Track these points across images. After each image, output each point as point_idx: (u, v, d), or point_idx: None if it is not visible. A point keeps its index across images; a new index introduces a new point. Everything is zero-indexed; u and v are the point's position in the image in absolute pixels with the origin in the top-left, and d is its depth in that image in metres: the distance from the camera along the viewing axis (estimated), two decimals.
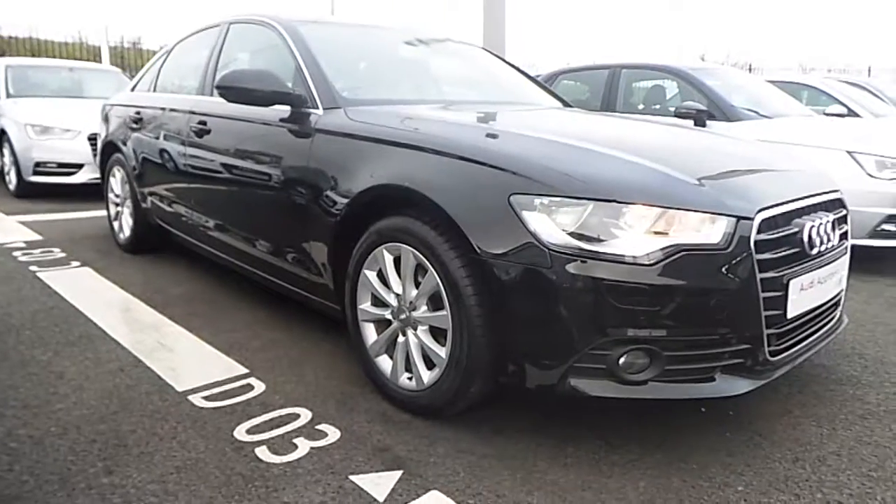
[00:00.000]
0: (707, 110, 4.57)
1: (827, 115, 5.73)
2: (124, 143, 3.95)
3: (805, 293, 1.90)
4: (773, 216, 1.82)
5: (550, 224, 1.71)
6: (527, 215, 1.73)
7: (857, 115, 6.38)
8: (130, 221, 4.02)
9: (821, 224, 1.96)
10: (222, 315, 2.98)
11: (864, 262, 4.06)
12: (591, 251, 1.67)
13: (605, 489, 1.70)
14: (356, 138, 2.25)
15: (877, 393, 2.30)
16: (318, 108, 2.48)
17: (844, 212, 2.23)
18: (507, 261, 1.74)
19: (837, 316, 2.25)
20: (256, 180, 2.68)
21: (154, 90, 3.88)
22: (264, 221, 2.71)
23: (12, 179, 6.21)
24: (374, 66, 3.03)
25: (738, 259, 1.71)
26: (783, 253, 1.82)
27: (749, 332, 1.76)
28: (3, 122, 6.24)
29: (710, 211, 1.72)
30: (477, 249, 1.78)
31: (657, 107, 5.28)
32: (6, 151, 6.25)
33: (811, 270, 1.92)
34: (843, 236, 2.20)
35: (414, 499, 1.63)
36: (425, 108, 2.54)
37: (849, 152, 3.98)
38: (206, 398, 2.15)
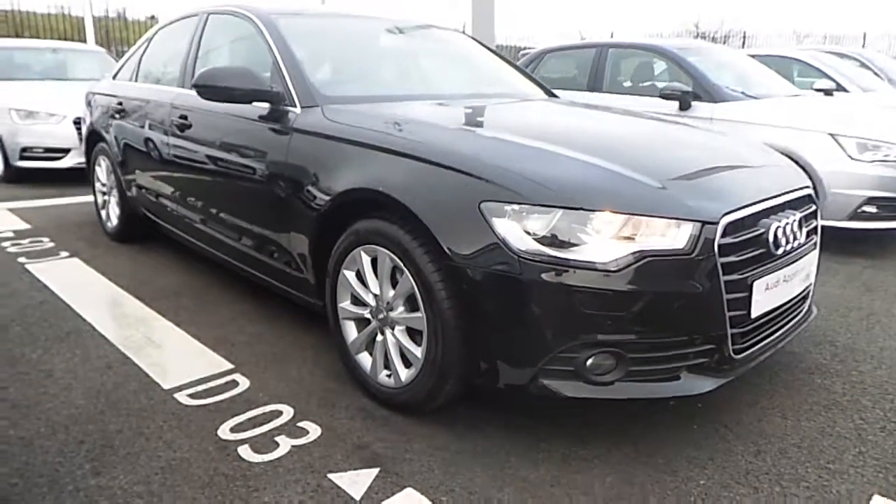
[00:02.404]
0: (692, 91, 4.58)
1: (815, 90, 5.72)
2: (108, 133, 3.95)
3: (770, 292, 1.95)
4: (739, 219, 1.87)
5: (519, 231, 1.75)
6: (496, 222, 1.77)
7: (845, 91, 6.38)
8: (117, 210, 4.05)
9: (787, 224, 2.01)
10: (209, 308, 3.03)
11: (844, 243, 4.13)
12: (558, 258, 1.72)
13: (573, 484, 1.77)
14: (332, 139, 2.27)
15: (843, 382, 2.38)
16: (296, 106, 2.49)
17: (814, 208, 2.27)
18: (477, 266, 1.78)
19: (805, 309, 2.31)
20: (237, 176, 2.70)
21: (136, 79, 3.86)
22: (247, 218, 2.74)
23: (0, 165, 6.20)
24: (356, 59, 3.02)
25: (703, 263, 1.76)
26: (748, 255, 1.87)
27: (713, 333, 1.82)
28: None
29: (676, 217, 1.76)
30: (448, 254, 1.83)
31: (645, 84, 5.27)
32: None
33: (776, 270, 1.97)
34: (812, 232, 2.24)
35: (389, 497, 1.70)
36: (403, 105, 2.55)
37: (831, 134, 4.00)
38: (192, 395, 2.21)
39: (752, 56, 6.46)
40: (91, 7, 14.55)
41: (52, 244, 4.08)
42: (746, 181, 2.09)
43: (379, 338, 2.14)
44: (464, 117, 2.49)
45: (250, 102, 2.58)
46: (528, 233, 1.74)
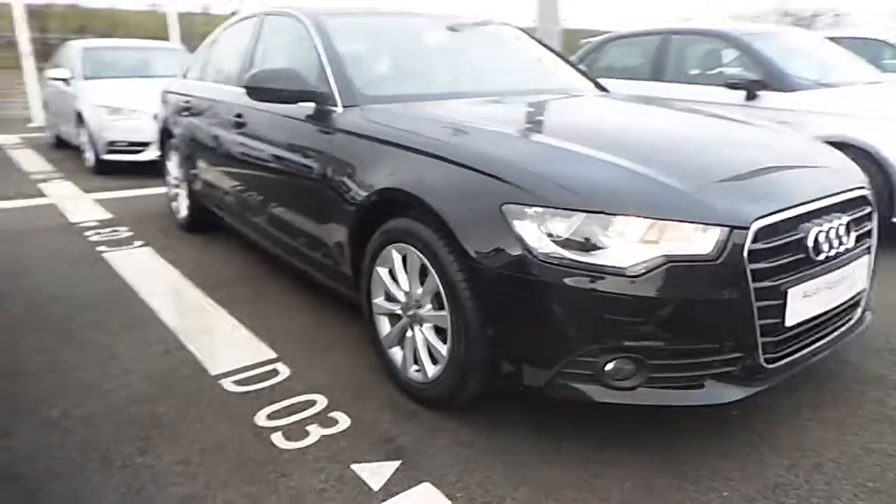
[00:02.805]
0: (760, 80, 4.35)
1: None
2: (177, 128, 4.19)
3: (809, 300, 1.87)
4: (774, 223, 1.79)
5: (541, 233, 1.75)
6: (518, 224, 1.78)
7: None
8: (186, 202, 4.30)
9: (831, 228, 1.90)
10: (262, 298, 3.19)
11: None
12: (579, 261, 1.71)
13: (590, 488, 1.77)
14: (367, 138, 2.34)
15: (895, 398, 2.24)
16: (337, 105, 2.57)
17: (868, 210, 2.14)
18: (497, 267, 1.80)
19: (857, 316, 2.18)
20: (287, 173, 2.82)
21: (202, 78, 4.07)
22: (295, 213, 2.86)
23: (90, 158, 6.69)
24: (400, 58, 3.07)
25: (730, 270, 1.71)
26: (783, 261, 1.79)
27: (740, 342, 1.76)
28: (80, 104, 6.69)
29: (702, 221, 1.71)
30: (471, 254, 1.85)
31: (711, 73, 5.05)
32: (84, 132, 6.71)
33: (817, 276, 1.87)
34: (865, 236, 2.11)
35: (405, 490, 1.76)
36: (441, 104, 2.58)
37: None
38: (236, 382, 2.35)
39: (837, 39, 6.05)
40: (176, 4, 15.31)
41: (129, 233, 4.39)
42: (790, 183, 1.99)
43: (409, 334, 2.20)
44: (498, 116, 2.49)
45: (297, 103, 2.68)
46: (550, 235, 1.74)
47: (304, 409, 2.17)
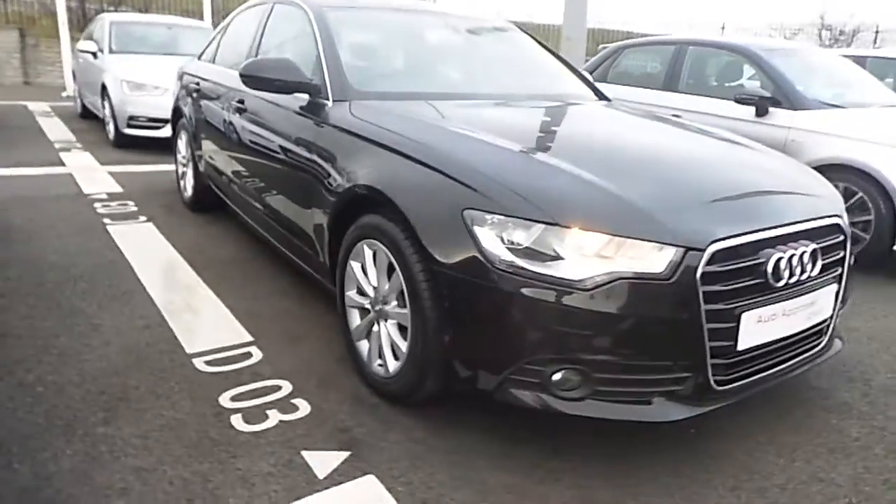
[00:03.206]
0: (771, 97, 4.29)
1: None
2: (186, 109, 4.28)
3: (765, 325, 1.86)
4: (733, 247, 1.79)
5: (498, 241, 1.78)
6: (477, 230, 1.80)
7: None
8: (192, 182, 4.39)
9: (794, 255, 1.89)
10: (249, 281, 3.26)
11: None
12: (533, 272, 1.73)
13: (530, 494, 1.80)
14: (350, 134, 2.38)
15: (862, 426, 2.22)
16: (329, 99, 2.61)
17: (840, 238, 2.12)
18: (455, 271, 1.83)
19: (822, 343, 2.17)
20: (280, 161, 2.87)
21: (213, 61, 4.14)
22: (284, 201, 2.91)
23: (111, 130, 6.84)
24: (397, 56, 3.11)
25: (682, 290, 1.71)
26: (739, 285, 1.79)
27: (689, 362, 1.77)
28: (105, 77, 6.83)
29: (657, 240, 1.72)
30: (432, 256, 1.89)
31: (725, 86, 4.99)
32: (107, 104, 6.86)
33: (775, 302, 1.87)
34: (836, 264, 2.10)
35: (349, 480, 1.81)
36: (426, 104, 2.60)
37: None
38: (208, 362, 2.42)
39: (864, 58, 5.93)
40: None
41: (135, 208, 4.50)
42: (757, 207, 1.98)
43: (375, 328, 2.24)
44: (479, 120, 2.50)
45: (291, 93, 2.73)
46: (507, 244, 1.77)
47: (267, 394, 2.23)
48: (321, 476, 1.82)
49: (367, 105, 2.51)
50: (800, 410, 2.31)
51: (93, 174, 5.52)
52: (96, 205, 4.53)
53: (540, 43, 3.61)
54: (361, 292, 2.30)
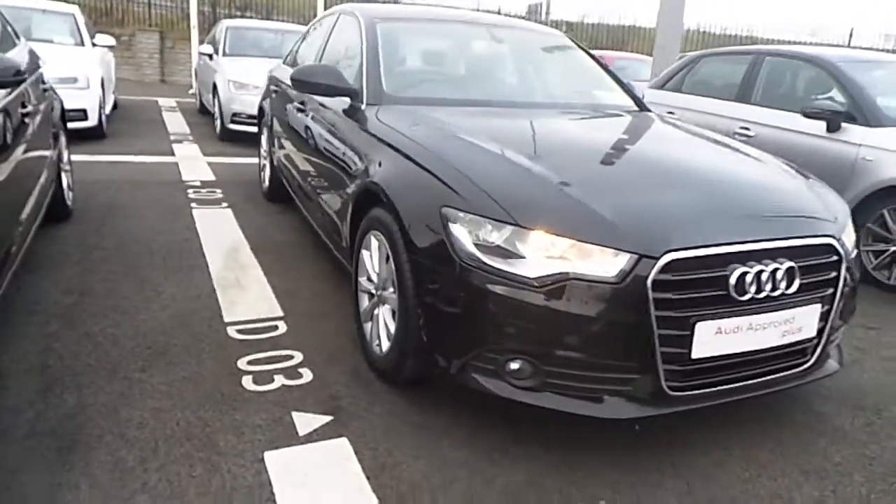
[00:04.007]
0: (845, 111, 4.08)
1: None
2: (267, 108, 4.74)
3: (725, 337, 1.90)
4: (691, 258, 1.85)
5: (469, 238, 1.95)
6: (451, 227, 1.98)
7: None
8: (269, 174, 4.85)
9: (765, 271, 1.91)
10: (298, 264, 3.60)
11: None
12: (496, 268, 1.89)
13: (481, 472, 1.95)
14: (371, 135, 2.63)
15: (850, 453, 2.17)
16: (363, 103, 2.88)
17: (830, 258, 2.08)
18: (430, 261, 2.03)
19: (808, 362, 2.14)
20: (327, 158, 3.17)
21: (292, 65, 4.56)
22: (328, 195, 3.21)
23: (217, 125, 7.58)
24: (435, 63, 3.33)
25: (632, 295, 1.80)
26: (696, 294, 1.85)
27: (638, 364, 1.85)
28: (216, 77, 7.58)
29: (612, 246, 1.82)
30: (415, 246, 2.09)
31: (805, 99, 4.76)
32: (216, 101, 7.61)
33: (739, 315, 1.90)
34: (825, 284, 2.07)
35: (324, 440, 2.05)
36: (447, 109, 2.79)
37: None
38: (239, 331, 2.76)
39: None
40: None
41: (220, 195, 5.03)
42: (731, 222, 2.01)
43: (376, 311, 2.47)
44: (487, 126, 2.63)
45: (334, 97, 3.03)
46: (477, 241, 1.93)
47: (279, 362, 2.52)
48: (301, 433, 2.07)
49: (392, 109, 2.75)
50: (788, 430, 2.28)
51: (194, 163, 6.18)
52: (189, 191, 5.11)
53: (589, 53, 3.69)
54: (369, 278, 2.54)
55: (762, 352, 2.00)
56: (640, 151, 2.57)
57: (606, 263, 1.82)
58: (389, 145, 2.45)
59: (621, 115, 3.17)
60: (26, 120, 2.93)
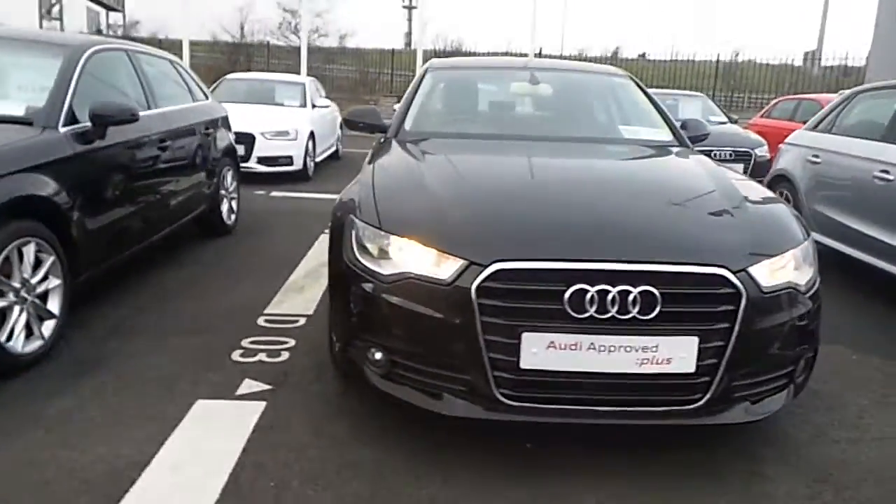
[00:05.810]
0: None
1: None
2: None
3: (562, 353, 1.89)
4: (523, 269, 1.92)
5: (356, 242, 2.26)
6: (348, 231, 2.32)
7: None
8: None
9: (610, 292, 1.87)
10: None
11: None
12: (366, 267, 2.18)
13: (347, 453, 2.19)
14: (371, 157, 3.07)
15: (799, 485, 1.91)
16: (387, 136, 3.34)
17: (722, 290, 1.91)
18: (339, 261, 2.37)
19: (699, 401, 1.95)
20: None
21: None
22: None
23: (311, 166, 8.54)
24: (460, 104, 3.65)
25: (459, 297, 1.94)
26: (522, 304, 1.90)
27: (467, 366, 1.96)
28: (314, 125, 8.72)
29: (448, 251, 1.99)
30: (332, 246, 2.47)
31: None
32: (310, 145, 8.49)
33: (576, 333, 1.89)
34: (705, 317, 1.92)
35: (245, 400, 2.49)
36: (444, 141, 3.11)
37: None
38: (266, 320, 3.35)
39: None
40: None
41: None
42: (585, 241, 2.06)
43: None
44: (460, 153, 2.91)
45: (373, 132, 3.54)
46: (361, 245, 2.24)
47: (273, 345, 3.03)
48: (237, 393, 2.54)
49: (401, 142, 3.15)
50: (774, 449, 2.26)
51: None
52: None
53: (646, 94, 3.63)
54: None
55: (614, 376, 1.92)
56: (565, 175, 2.66)
57: (444, 267, 1.99)
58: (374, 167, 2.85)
59: (624, 147, 3.14)
60: (169, 153, 4.01)
